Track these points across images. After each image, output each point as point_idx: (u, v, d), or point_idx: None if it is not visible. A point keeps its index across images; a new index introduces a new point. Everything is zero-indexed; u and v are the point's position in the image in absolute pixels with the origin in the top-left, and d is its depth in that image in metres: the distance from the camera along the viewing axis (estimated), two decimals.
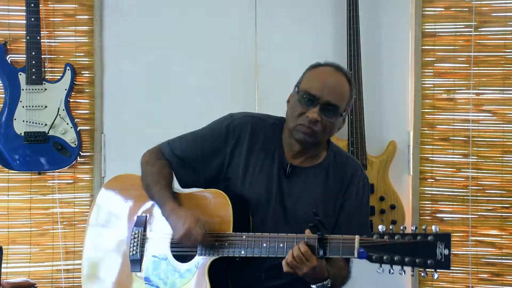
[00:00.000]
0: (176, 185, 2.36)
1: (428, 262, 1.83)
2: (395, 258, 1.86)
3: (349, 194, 2.25)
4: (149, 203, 2.33)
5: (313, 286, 2.06)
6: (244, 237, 2.10)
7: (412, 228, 1.87)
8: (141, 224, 2.34)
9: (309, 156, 2.26)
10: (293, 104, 2.21)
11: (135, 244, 2.32)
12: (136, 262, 2.30)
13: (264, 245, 2.07)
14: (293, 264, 1.99)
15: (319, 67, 2.25)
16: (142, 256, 2.31)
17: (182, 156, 2.32)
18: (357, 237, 1.93)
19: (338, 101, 2.17)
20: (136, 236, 2.33)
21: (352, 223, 2.21)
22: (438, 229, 1.84)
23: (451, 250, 1.83)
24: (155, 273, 2.26)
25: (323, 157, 2.28)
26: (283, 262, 2.01)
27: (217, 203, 2.20)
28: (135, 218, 2.36)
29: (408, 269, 1.87)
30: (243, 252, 2.09)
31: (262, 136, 2.28)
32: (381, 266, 1.88)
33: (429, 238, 1.83)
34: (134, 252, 2.32)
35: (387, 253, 1.86)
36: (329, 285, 2.06)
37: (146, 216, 2.34)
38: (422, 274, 1.85)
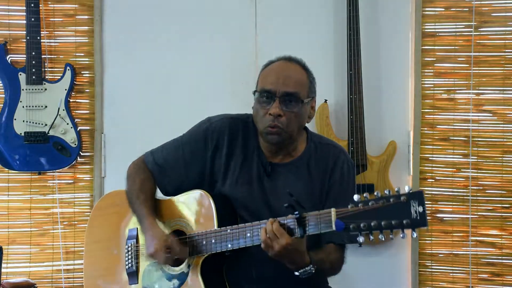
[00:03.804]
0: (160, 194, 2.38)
1: (404, 222, 1.79)
2: (372, 224, 1.82)
3: (333, 181, 2.23)
4: None
5: (296, 273, 2.04)
6: (228, 230, 2.10)
7: (385, 191, 1.84)
8: (134, 236, 2.36)
9: (287, 152, 2.25)
10: (255, 108, 2.21)
11: (129, 257, 2.35)
12: (133, 274, 2.33)
13: (248, 234, 2.07)
14: (267, 241, 1.97)
15: (270, 64, 2.24)
16: (137, 267, 2.33)
17: (164, 164, 2.33)
18: (333, 210, 1.91)
19: (296, 88, 2.15)
20: (130, 249, 2.35)
21: (340, 206, 2.19)
22: (410, 188, 1.82)
23: (425, 208, 1.79)
24: (152, 282, 2.28)
25: (303, 149, 2.26)
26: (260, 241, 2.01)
27: (199, 202, 2.21)
28: (127, 232, 2.39)
29: (388, 234, 1.83)
30: (229, 245, 2.10)
31: (241, 137, 2.28)
32: (360, 234, 1.85)
33: (401, 198, 1.80)
34: (129, 265, 2.34)
35: (363, 220, 1.83)
36: (312, 271, 2.03)
37: (137, 228, 2.36)
38: (401, 235, 1.82)
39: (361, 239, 1.85)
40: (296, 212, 1.96)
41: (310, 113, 2.24)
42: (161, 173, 2.33)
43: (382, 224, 1.82)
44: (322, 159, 2.25)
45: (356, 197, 1.87)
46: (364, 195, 1.87)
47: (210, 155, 2.28)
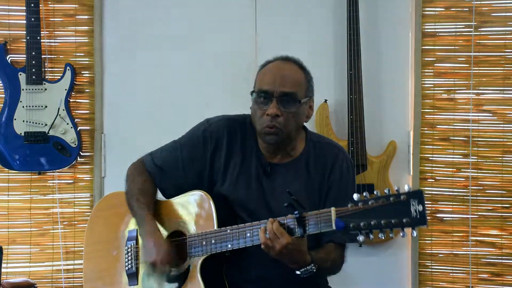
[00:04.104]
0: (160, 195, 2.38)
1: (404, 220, 1.80)
2: (372, 223, 1.83)
3: (333, 180, 2.23)
4: None
5: (298, 272, 2.04)
6: (228, 230, 2.10)
7: (385, 191, 1.85)
8: (133, 238, 2.36)
9: (286, 152, 2.25)
10: (253, 108, 2.21)
11: (129, 258, 2.34)
12: (132, 275, 2.33)
13: (248, 234, 2.06)
14: (267, 242, 1.98)
15: (267, 64, 2.24)
16: (137, 268, 2.33)
17: (163, 166, 2.33)
18: (333, 209, 1.91)
19: (293, 88, 2.15)
20: (129, 250, 2.35)
21: (339, 205, 2.19)
22: (410, 187, 1.82)
23: (425, 207, 1.80)
24: (151, 283, 2.27)
25: (302, 149, 2.26)
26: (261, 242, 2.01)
27: (199, 203, 2.21)
28: (127, 233, 2.39)
29: (388, 232, 1.84)
30: (229, 245, 2.10)
31: (239, 138, 2.27)
32: (360, 233, 1.85)
33: (401, 197, 1.81)
34: (129, 266, 2.34)
35: (363, 219, 1.84)
36: (314, 270, 2.04)
37: (137, 230, 2.35)
38: (401, 234, 1.83)
39: (361, 238, 1.85)
40: (296, 212, 1.96)
41: (308, 113, 2.24)
42: (161, 174, 2.33)
43: (382, 223, 1.82)
44: (321, 158, 2.25)
45: (356, 196, 1.87)
46: (364, 194, 1.87)
47: (209, 156, 2.27)
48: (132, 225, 2.39)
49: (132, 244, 2.35)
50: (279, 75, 2.16)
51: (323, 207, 2.15)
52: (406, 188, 1.83)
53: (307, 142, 2.28)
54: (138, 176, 2.34)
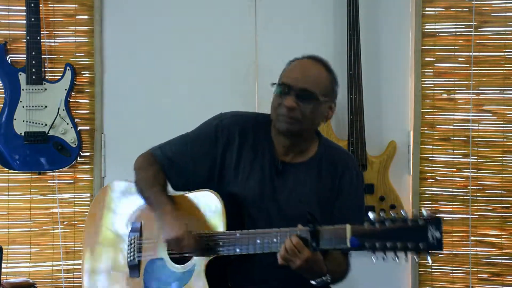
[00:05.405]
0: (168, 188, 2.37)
1: (420, 245, 1.80)
2: (388, 245, 1.83)
3: (342, 186, 2.23)
4: (143, 208, 2.33)
5: (313, 282, 2.04)
6: (237, 234, 2.09)
7: (402, 212, 1.85)
8: (137, 229, 2.35)
9: (299, 151, 2.25)
10: (273, 98, 2.22)
11: (132, 250, 2.33)
12: (134, 267, 2.31)
13: (258, 241, 2.05)
14: (286, 257, 1.97)
15: (296, 60, 2.25)
16: (140, 261, 2.32)
17: (173, 159, 2.31)
18: (348, 226, 1.90)
19: (314, 87, 2.15)
20: (132, 242, 2.34)
21: (347, 214, 2.19)
22: (429, 213, 1.82)
23: (442, 234, 1.81)
24: (154, 277, 2.27)
25: (314, 151, 2.26)
26: (278, 256, 1.99)
27: (209, 203, 2.19)
28: (130, 224, 2.38)
29: (401, 255, 1.84)
30: (237, 250, 2.08)
31: (252, 135, 2.27)
32: (374, 253, 1.85)
33: (420, 222, 1.81)
34: (131, 258, 2.33)
35: (379, 240, 1.83)
36: (328, 281, 2.04)
37: (141, 222, 2.35)
38: (415, 258, 1.83)
39: (374, 258, 1.85)
40: (311, 225, 1.96)
41: (328, 114, 2.24)
42: (171, 166, 2.31)
43: (398, 245, 1.82)
44: (332, 163, 2.25)
45: (371, 215, 1.87)
46: (381, 214, 1.87)
47: (220, 151, 2.26)
48: (134, 216, 2.37)
49: (136, 236, 2.34)
50: (304, 72, 2.17)
51: (331, 213, 2.16)
52: (424, 213, 1.83)
53: (319, 146, 2.28)
54: (149, 165, 2.32)
